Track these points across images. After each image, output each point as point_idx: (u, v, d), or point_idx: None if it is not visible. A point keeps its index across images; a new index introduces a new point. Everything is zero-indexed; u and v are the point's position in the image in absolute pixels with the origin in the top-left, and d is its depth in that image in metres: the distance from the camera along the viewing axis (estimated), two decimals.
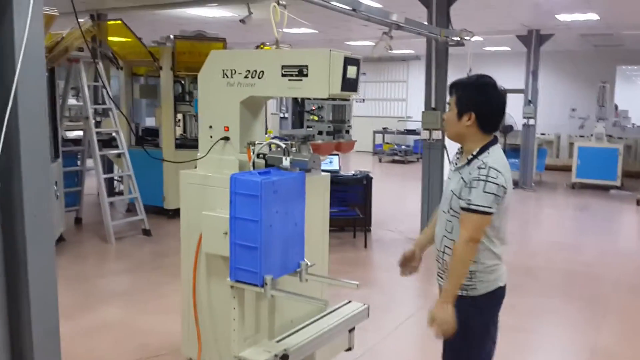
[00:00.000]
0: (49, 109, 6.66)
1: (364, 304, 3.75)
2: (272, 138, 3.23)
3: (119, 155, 7.56)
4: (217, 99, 3.48)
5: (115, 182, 9.62)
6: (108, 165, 8.94)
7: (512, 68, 13.20)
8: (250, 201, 2.75)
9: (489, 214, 2.44)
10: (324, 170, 7.20)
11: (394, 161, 16.03)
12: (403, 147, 16.31)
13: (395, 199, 10.69)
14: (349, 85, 3.10)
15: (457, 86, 2.64)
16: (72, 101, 9.00)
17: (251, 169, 3.19)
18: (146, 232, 7.25)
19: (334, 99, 3.31)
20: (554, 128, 14.87)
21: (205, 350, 3.54)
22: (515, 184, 11.75)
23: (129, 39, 8.05)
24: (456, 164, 2.66)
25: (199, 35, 8.26)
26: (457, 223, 2.53)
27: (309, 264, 3.08)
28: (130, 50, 8.39)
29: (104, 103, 7.76)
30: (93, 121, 7.04)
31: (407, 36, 8.77)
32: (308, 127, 3.31)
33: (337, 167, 7.52)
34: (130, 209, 8.10)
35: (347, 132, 3.40)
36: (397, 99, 18.45)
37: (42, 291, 2.59)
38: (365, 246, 6.98)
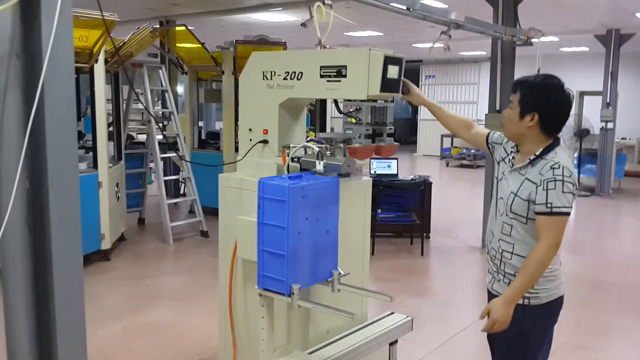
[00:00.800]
0: (113, 112, 6.89)
1: (407, 316, 3.57)
2: (308, 141, 3.12)
3: (181, 158, 7.70)
4: (256, 101, 3.41)
5: (181, 184, 9.84)
6: (174, 168, 9.15)
7: (590, 69, 12.52)
8: (278, 206, 2.65)
9: (569, 214, 2.38)
10: (381, 175, 7.12)
11: (462, 166, 15.57)
12: (472, 151, 15.79)
13: (459, 205, 10.33)
14: (390, 86, 2.95)
15: (521, 84, 2.51)
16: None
17: (286, 172, 3.09)
18: (204, 234, 7.33)
19: (374, 101, 3.15)
20: (635, 132, 13.96)
21: (241, 358, 3.48)
22: (592, 191, 11.10)
23: (193, 44, 8.20)
24: (512, 164, 2.57)
25: (260, 40, 8.29)
26: (518, 226, 2.47)
27: (342, 273, 2.94)
28: (194, 55, 8.54)
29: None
30: (154, 124, 7.17)
31: (478, 37, 8.47)
32: (347, 130, 3.17)
33: (395, 172, 7.33)
34: (192, 211, 8.23)
35: (389, 135, 3.21)
36: (467, 102, 17.93)
37: (67, 293, 2.58)
38: (422, 253, 6.74)
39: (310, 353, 3.02)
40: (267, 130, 3.38)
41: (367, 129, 3.09)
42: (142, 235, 7.55)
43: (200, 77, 9.21)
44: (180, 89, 10.54)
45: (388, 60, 2.89)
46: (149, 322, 4.59)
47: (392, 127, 3.24)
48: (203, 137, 9.45)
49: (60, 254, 2.52)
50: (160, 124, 9.10)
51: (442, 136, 16.85)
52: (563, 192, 2.34)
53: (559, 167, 2.36)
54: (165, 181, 9.50)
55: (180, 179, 9.32)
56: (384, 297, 2.94)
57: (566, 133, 11.37)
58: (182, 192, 9.84)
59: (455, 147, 16.54)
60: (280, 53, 3.42)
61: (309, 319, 3.17)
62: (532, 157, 2.46)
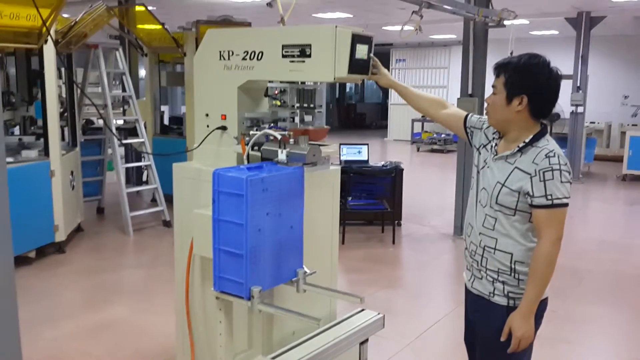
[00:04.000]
0: (67, 96, 6.48)
1: (379, 313, 3.36)
2: (270, 127, 2.85)
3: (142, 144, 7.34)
4: (213, 83, 3.13)
5: (143, 171, 9.45)
6: (136, 155, 8.76)
7: (560, 53, 12.38)
8: (235, 201, 2.39)
9: (568, 205, 2.21)
10: (351, 161, 6.89)
11: (432, 150, 15.46)
12: (443, 135, 15.69)
13: (431, 191, 10.19)
14: (359, 67, 2.71)
15: (505, 67, 2.30)
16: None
17: (245, 162, 2.83)
18: (166, 224, 7.01)
19: (302, 83, 2.95)
20: (604, 116, 14.01)
21: (200, 359, 3.23)
22: None
23: (153, 25, 7.80)
24: (495, 152, 2.35)
25: (223, 20, 7.92)
26: (503, 219, 2.28)
27: (307, 271, 2.70)
28: (154, 37, 8.14)
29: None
30: (111, 109, 6.78)
31: (449, 19, 8.22)
32: (273, 112, 2.96)
33: (366, 158, 7.11)
34: (155, 199, 7.89)
35: (317, 118, 3.02)
36: (438, 86, 17.78)
37: None
38: (394, 242, 6.55)
39: (274, 358, 2.79)
40: (225, 115, 3.10)
41: (292, 112, 2.89)
42: (101, 225, 7.19)
43: (162, 60, 8.81)
44: (142, 72, 10.10)
45: (356, 39, 2.64)
46: (105, 321, 4.29)
47: (321, 110, 3.04)
48: (166, 122, 9.06)
49: None
50: (121, 109, 8.70)
51: (413, 121, 16.71)
52: (561, 181, 2.17)
53: (554, 156, 2.18)
54: (127, 168, 9.15)
55: (142, 167, 8.94)
56: (354, 298, 2.71)
57: None
58: (144, 179, 9.47)
59: (426, 131, 16.43)
60: (239, 30, 3.12)
61: (272, 321, 2.93)
62: (521, 145, 2.25)
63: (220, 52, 3.04)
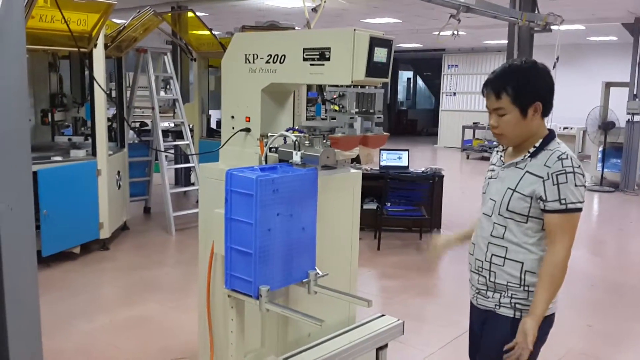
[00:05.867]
0: (117, 98, 6.75)
1: (398, 319, 3.33)
2: (287, 130, 2.89)
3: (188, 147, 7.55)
4: (238, 86, 3.20)
5: (191, 173, 9.69)
6: (185, 157, 9.00)
7: (618, 60, 12.00)
8: (245, 201, 2.44)
9: (582, 210, 2.13)
10: (390, 167, 6.86)
11: (482, 158, 15.14)
12: (494, 143, 15.34)
13: (475, 199, 9.97)
14: (377, 70, 2.71)
15: (504, 85, 2.17)
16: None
17: (263, 163, 2.87)
18: None
19: (362, 86, 2.91)
20: None
21: (220, 359, 3.29)
22: (616, 187, 10.66)
23: (201, 31, 8.01)
24: (503, 162, 2.31)
25: (270, 26, 8.05)
26: (514, 227, 2.19)
27: (319, 273, 2.72)
28: (203, 42, 8.34)
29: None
30: (158, 112, 7.01)
31: (501, 24, 8.05)
32: (332, 118, 2.93)
33: (406, 163, 7.06)
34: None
35: (377, 124, 2.96)
36: None
37: (19, 293, 2.41)
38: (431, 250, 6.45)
39: (286, 358, 2.81)
40: (249, 117, 3.17)
41: (351, 117, 2.85)
42: (145, 224, 7.42)
43: (211, 65, 9.03)
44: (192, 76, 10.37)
45: (374, 42, 2.65)
46: (137, 317, 4.43)
47: (381, 116, 2.99)
48: (213, 125, 9.26)
49: (11, 248, 2.35)
50: (172, 112, 8.96)
51: (464, 127, 16.45)
52: (576, 185, 2.10)
53: (567, 158, 2.12)
54: (176, 170, 9.42)
55: (191, 168, 9.17)
56: (362, 302, 2.71)
57: (590, 125, 10.93)
58: (192, 181, 9.71)
59: (477, 138, 16.13)
60: (263, 34, 3.19)
61: (287, 321, 2.96)
62: (532, 150, 2.20)
63: (246, 55, 3.11)
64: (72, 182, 5.61)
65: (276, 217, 2.48)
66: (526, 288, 2.21)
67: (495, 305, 2.28)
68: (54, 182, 5.33)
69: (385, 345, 3.27)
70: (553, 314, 2.26)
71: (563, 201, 2.08)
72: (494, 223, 2.24)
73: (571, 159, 2.12)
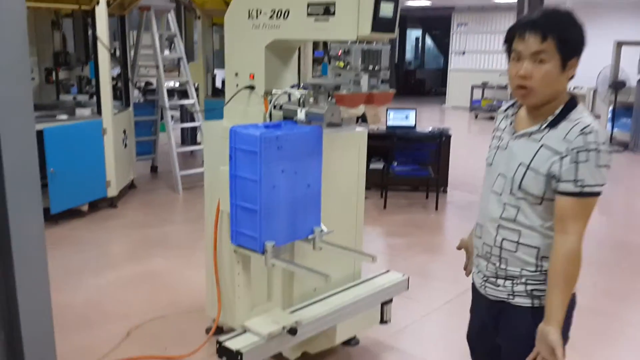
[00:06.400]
0: (120, 57, 6.69)
1: (403, 275, 3.38)
2: (292, 87, 2.87)
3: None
4: (242, 43, 3.16)
5: (198, 132, 9.67)
6: (191, 116, 8.97)
7: (630, 18, 11.74)
8: (250, 158, 2.45)
9: (600, 194, 1.80)
10: (397, 127, 6.82)
11: (491, 118, 15.03)
12: (503, 103, 15.19)
13: (483, 159, 9.93)
14: (383, 25, 2.67)
15: (554, 25, 1.80)
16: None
17: (267, 121, 2.87)
18: None
19: (368, 43, 2.86)
20: None
21: (227, 312, 3.35)
22: (625, 147, 10.59)
23: None
24: (514, 129, 1.94)
25: None
26: (527, 208, 1.87)
27: (324, 230, 2.74)
28: None
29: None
30: (162, 71, 6.96)
31: None
32: (337, 75, 2.90)
33: (413, 123, 7.02)
34: None
35: (383, 81, 2.93)
36: (500, 51, 17.12)
37: (27, 254, 2.44)
38: (437, 208, 6.49)
39: (293, 312, 2.87)
40: (253, 75, 3.14)
41: (356, 74, 2.82)
42: (153, 183, 7.47)
43: (215, 23, 8.90)
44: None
45: None
46: (146, 272, 4.51)
47: (387, 73, 2.96)
48: (218, 85, 9.20)
49: (17, 205, 2.37)
50: (177, 72, 8.89)
51: (473, 87, 16.26)
52: (598, 165, 1.76)
53: (591, 132, 1.76)
54: (183, 129, 9.40)
55: (198, 128, 9.16)
56: (367, 257, 2.74)
57: (601, 85, 10.78)
58: (198, 140, 9.71)
59: (486, 98, 15.96)
60: None
61: (293, 277, 3.00)
62: (551, 118, 1.84)
63: (249, 10, 3.06)
64: (78, 141, 5.62)
65: (281, 174, 2.49)
66: (544, 272, 1.89)
67: (509, 295, 1.95)
68: (60, 141, 5.34)
69: (390, 300, 3.33)
70: (574, 294, 1.92)
71: (579, 183, 1.76)
72: (505, 204, 1.92)
73: (596, 133, 1.76)
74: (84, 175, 5.70)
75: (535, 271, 1.90)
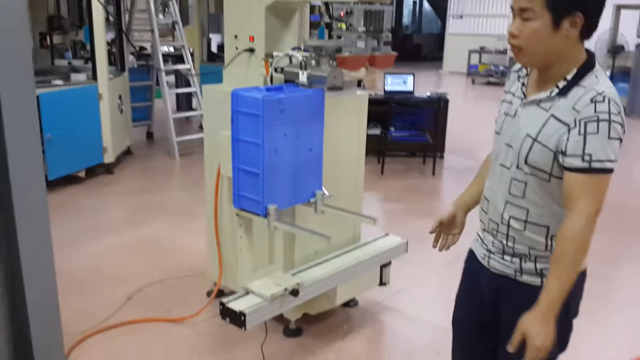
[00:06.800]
0: (115, 21, 6.58)
1: (402, 238, 3.41)
2: (293, 49, 2.83)
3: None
4: (241, 4, 3.12)
5: (193, 98, 9.59)
6: (187, 81, 8.87)
7: None
8: (252, 121, 2.43)
9: (613, 170, 1.62)
10: (395, 92, 6.78)
11: (488, 83, 14.95)
12: (501, 68, 15.10)
13: (480, 125, 9.90)
14: None
15: None
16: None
17: (268, 84, 2.84)
18: None
19: (369, 2, 2.82)
20: None
21: (228, 276, 3.39)
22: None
23: None
24: (524, 94, 1.77)
25: None
26: (536, 185, 1.71)
27: (326, 194, 2.75)
28: None
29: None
30: (157, 35, 6.86)
31: None
32: (338, 37, 2.87)
33: (411, 88, 6.98)
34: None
35: (385, 43, 2.90)
36: (498, 15, 16.97)
37: (30, 218, 2.43)
38: (434, 173, 6.51)
39: (294, 274, 2.90)
40: (253, 37, 3.10)
41: (359, 36, 2.79)
42: (149, 149, 7.44)
43: None
44: None
45: None
46: (145, 237, 4.52)
47: (389, 35, 2.92)
48: (214, 49, 9.09)
49: (19, 171, 2.36)
50: (172, 36, 8.76)
51: (470, 52, 16.13)
52: (609, 137, 1.58)
53: (603, 100, 1.58)
54: (178, 95, 9.32)
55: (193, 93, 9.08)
56: (368, 219, 2.76)
57: (599, 49, 10.71)
58: (194, 106, 9.63)
59: (483, 63, 15.85)
60: None
61: (294, 240, 3.02)
62: (562, 84, 1.66)
63: None
64: (74, 107, 5.57)
65: (283, 138, 2.48)
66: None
67: (516, 271, 1.81)
68: (56, 107, 5.29)
69: (389, 263, 3.37)
70: (584, 269, 1.82)
71: (587, 157, 1.59)
72: (512, 178, 1.76)
73: (609, 101, 1.58)
74: (81, 141, 5.67)
75: (546, 250, 1.76)
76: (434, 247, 2.14)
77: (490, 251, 1.88)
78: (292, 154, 2.56)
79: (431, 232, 2.12)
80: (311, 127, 2.61)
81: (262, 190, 2.46)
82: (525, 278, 1.78)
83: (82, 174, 5.79)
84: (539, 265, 1.77)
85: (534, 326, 1.61)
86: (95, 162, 5.91)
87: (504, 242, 1.81)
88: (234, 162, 2.54)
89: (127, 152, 6.91)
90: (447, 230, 2.11)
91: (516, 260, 1.79)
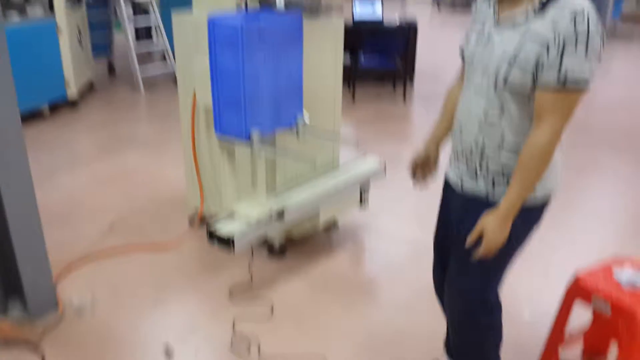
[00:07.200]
0: None
1: (380, 159, 3.47)
2: None
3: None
4: None
5: (153, 31, 9.26)
6: (144, 12, 8.53)
7: None
8: (231, 49, 2.38)
9: (588, 88, 1.59)
10: (364, 19, 6.67)
11: (454, 9, 14.82)
12: None
13: (447, 51, 9.87)
14: None
15: None
16: None
17: (243, 8, 2.77)
18: (177, 81, 7.01)
19: None
20: None
21: (209, 202, 3.41)
22: None
23: None
24: (497, 17, 1.70)
25: None
26: (513, 105, 1.67)
27: (307, 118, 2.75)
28: None
29: None
30: None
31: None
32: None
33: (380, 15, 6.87)
34: (165, 58, 7.83)
35: None
36: None
37: (7, 146, 2.39)
38: (405, 100, 6.54)
39: (277, 198, 2.93)
40: None
41: None
42: (112, 83, 7.24)
43: None
44: None
45: None
46: (119, 170, 4.48)
47: None
48: None
49: None
50: None
51: None
52: (587, 54, 1.54)
53: (582, 18, 1.52)
54: (137, 29, 8.96)
55: (154, 27, 8.76)
56: (350, 142, 2.79)
57: None
58: (153, 39, 9.31)
59: None
60: None
61: (275, 165, 3.04)
62: (537, 4, 1.60)
63: None
64: (33, 41, 5.34)
65: (263, 64, 2.45)
66: None
67: (488, 193, 1.81)
68: (15, 41, 5.02)
69: (368, 184, 3.43)
70: (546, 201, 1.82)
71: (562, 75, 1.56)
72: (488, 103, 1.73)
73: (588, 18, 1.53)
74: (42, 75, 5.48)
75: None
76: (414, 185, 2.20)
77: (463, 176, 1.88)
78: (272, 80, 2.53)
79: (412, 176, 2.15)
80: (290, 53, 2.58)
81: (244, 115, 2.45)
82: (497, 198, 1.78)
83: (46, 110, 5.63)
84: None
85: (491, 224, 1.72)
86: (58, 97, 5.74)
87: (477, 165, 1.80)
88: (213, 89, 2.51)
89: (90, 88, 6.71)
90: (424, 168, 2.14)
91: (489, 181, 1.79)
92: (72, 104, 5.94)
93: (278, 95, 2.59)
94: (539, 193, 1.77)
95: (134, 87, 6.79)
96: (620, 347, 2.04)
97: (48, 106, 5.66)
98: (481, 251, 1.76)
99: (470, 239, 1.78)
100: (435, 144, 2.09)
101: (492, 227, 1.72)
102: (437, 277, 2.20)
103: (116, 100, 6.52)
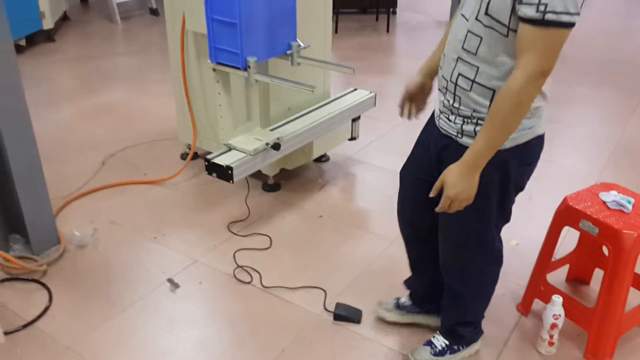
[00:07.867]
0: None
1: (370, 92, 3.47)
2: None
3: None
4: None
5: None
6: None
7: None
8: None
9: (573, 25, 1.46)
10: None
11: None
12: None
13: None
14: None
15: None
16: None
17: None
18: (153, 12, 6.80)
19: None
20: None
21: (202, 137, 3.40)
22: None
23: None
24: None
25: None
26: (491, 39, 1.57)
27: (301, 45, 2.73)
28: None
29: None
30: None
31: None
32: None
33: None
34: None
35: None
36: None
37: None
38: (388, 30, 6.46)
39: (273, 129, 2.94)
40: None
41: None
42: (86, 14, 6.98)
43: None
44: None
45: None
46: (104, 104, 4.40)
47: None
48: None
49: None
50: None
51: None
52: None
53: None
54: None
55: None
56: (347, 69, 2.78)
57: None
58: None
59: None
60: None
61: (268, 96, 3.03)
62: None
63: None
64: None
65: None
66: None
67: (457, 132, 1.75)
68: None
69: (359, 117, 3.45)
70: (534, 138, 1.75)
71: (542, 7, 1.42)
72: (468, 31, 1.62)
73: None
74: (16, 7, 5.23)
75: (487, 113, 1.63)
76: (401, 116, 2.10)
77: (440, 110, 1.81)
78: (267, 5, 2.49)
79: (400, 106, 2.07)
80: None
81: (241, 42, 2.42)
82: (465, 140, 1.72)
83: (23, 42, 5.44)
84: (478, 129, 1.68)
85: (451, 177, 1.62)
86: (34, 29, 5.53)
87: (451, 101, 1.73)
88: (207, 13, 2.46)
89: (64, 18, 6.47)
90: (416, 98, 2.05)
91: (459, 121, 1.73)
92: (48, 36, 5.74)
93: (272, 21, 2.55)
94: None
95: (110, 18, 6.57)
96: (605, 268, 2.13)
97: (25, 39, 5.47)
98: (439, 206, 1.67)
99: (432, 191, 1.68)
100: (429, 74, 2.00)
101: (452, 181, 1.62)
102: (404, 216, 2.11)
103: (93, 32, 6.32)
